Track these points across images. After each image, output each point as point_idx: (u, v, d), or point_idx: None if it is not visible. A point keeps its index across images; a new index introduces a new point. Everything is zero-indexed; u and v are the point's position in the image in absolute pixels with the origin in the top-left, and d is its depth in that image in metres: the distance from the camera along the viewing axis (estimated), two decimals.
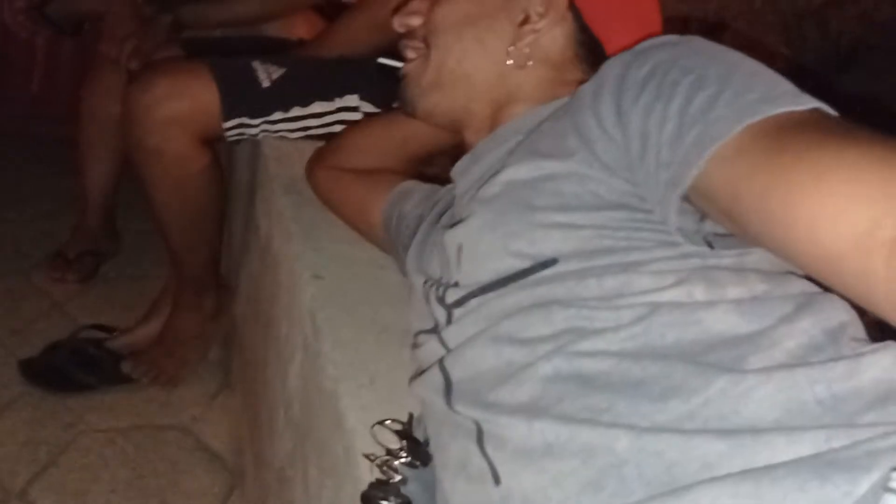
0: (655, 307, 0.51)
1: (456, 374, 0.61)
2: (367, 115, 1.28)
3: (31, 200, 2.09)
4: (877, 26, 2.04)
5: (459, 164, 0.78)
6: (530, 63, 0.74)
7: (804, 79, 0.53)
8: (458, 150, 0.82)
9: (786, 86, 0.52)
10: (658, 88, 0.55)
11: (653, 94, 0.55)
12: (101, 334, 1.60)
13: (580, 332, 0.53)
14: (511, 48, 0.74)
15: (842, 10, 2.05)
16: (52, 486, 1.28)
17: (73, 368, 1.50)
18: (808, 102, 0.50)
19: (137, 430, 1.43)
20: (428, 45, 0.77)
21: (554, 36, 0.74)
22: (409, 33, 0.80)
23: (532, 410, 0.52)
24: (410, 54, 0.80)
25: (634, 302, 0.52)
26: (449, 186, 0.87)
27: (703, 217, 0.55)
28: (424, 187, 0.94)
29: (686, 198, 0.53)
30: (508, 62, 0.74)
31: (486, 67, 0.75)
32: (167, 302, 1.56)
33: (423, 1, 0.78)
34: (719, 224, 0.55)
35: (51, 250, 1.84)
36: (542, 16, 0.73)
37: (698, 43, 0.59)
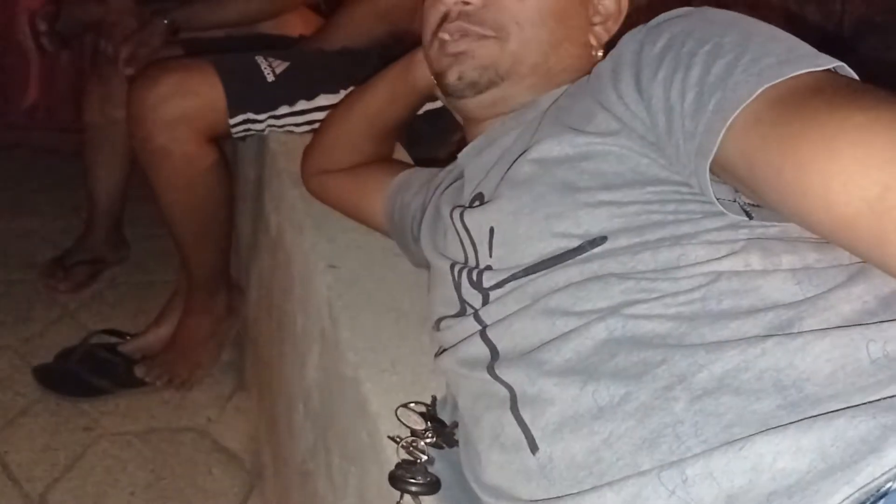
0: (717, 276, 0.51)
1: (503, 344, 0.60)
2: None
3: (41, 211, 2.08)
4: (880, 5, 2.03)
5: (471, 147, 0.76)
6: (599, 55, 0.75)
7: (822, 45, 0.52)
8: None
9: (804, 48, 0.52)
10: (675, 61, 0.55)
11: (671, 67, 0.55)
12: (113, 339, 1.60)
13: (638, 301, 0.52)
14: (594, 46, 0.75)
15: None
16: (72, 490, 1.28)
17: (87, 373, 1.49)
18: (828, 62, 0.50)
19: (154, 433, 1.43)
20: (500, 35, 0.72)
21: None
22: (467, 15, 0.73)
23: (583, 371, 0.51)
24: (469, 39, 0.73)
25: (694, 272, 0.52)
26: (447, 168, 0.86)
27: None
28: (422, 174, 0.93)
29: (711, 169, 0.52)
30: (592, 56, 0.75)
31: (567, 63, 0.74)
32: (178, 305, 1.55)
33: None
34: (743, 194, 0.54)
35: None
36: (611, 16, 0.75)
37: (712, 12, 0.58)
